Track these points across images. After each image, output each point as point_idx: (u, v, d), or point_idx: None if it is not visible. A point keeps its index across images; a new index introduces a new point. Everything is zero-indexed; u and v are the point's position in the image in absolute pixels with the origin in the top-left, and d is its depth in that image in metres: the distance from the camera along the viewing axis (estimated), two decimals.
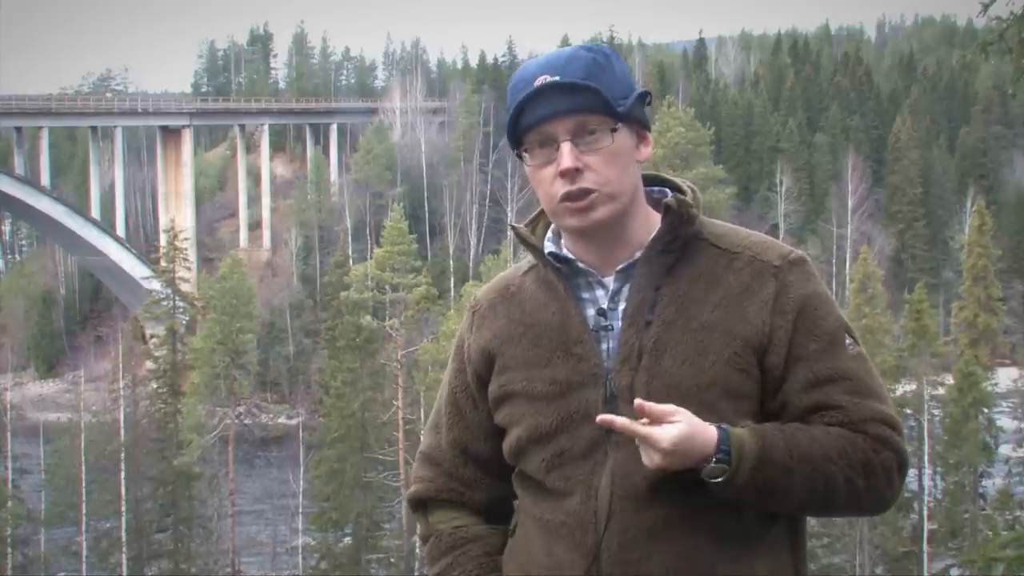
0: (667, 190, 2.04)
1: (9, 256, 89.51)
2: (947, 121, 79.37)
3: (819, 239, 61.28)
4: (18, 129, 69.09)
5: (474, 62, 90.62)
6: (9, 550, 35.75)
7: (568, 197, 1.89)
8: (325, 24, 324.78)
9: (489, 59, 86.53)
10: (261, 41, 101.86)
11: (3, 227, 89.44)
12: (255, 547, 41.29)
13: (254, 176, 77.99)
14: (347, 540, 36.22)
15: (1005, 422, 37.15)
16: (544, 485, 1.96)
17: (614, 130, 1.89)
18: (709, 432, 1.81)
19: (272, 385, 60.62)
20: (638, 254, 1.95)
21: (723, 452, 1.81)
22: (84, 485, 37.05)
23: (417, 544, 35.21)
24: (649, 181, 2.04)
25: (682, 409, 1.81)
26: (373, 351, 37.56)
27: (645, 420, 1.80)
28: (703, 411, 1.84)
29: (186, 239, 49.59)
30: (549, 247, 2.00)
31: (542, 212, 2.04)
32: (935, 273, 64.21)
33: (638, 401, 1.80)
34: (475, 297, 2.14)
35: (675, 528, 1.87)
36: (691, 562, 1.87)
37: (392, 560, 35.78)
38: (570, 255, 1.98)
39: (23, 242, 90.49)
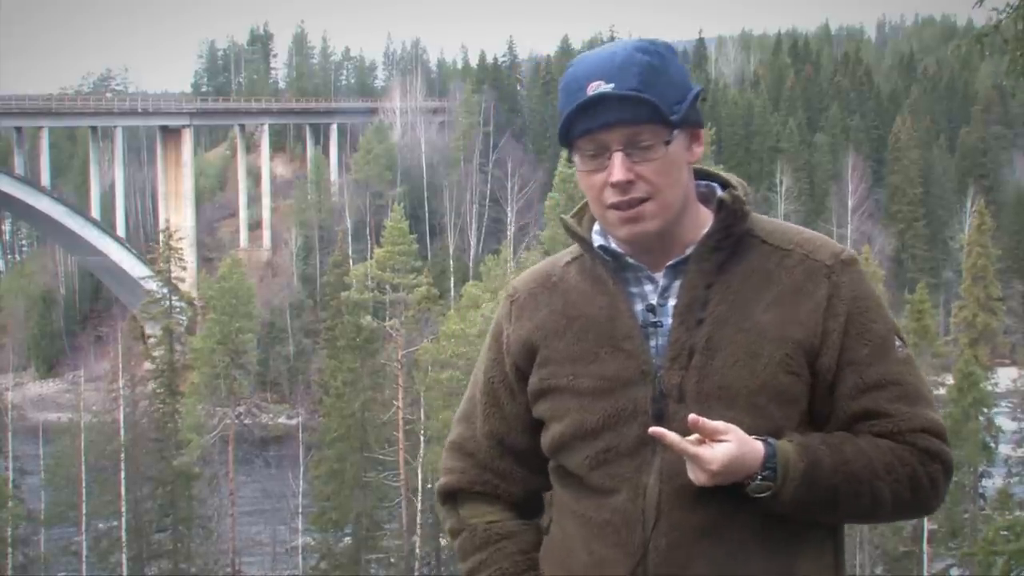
0: (715, 185, 2.00)
1: (9, 256, 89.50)
2: (947, 121, 79.40)
3: None
4: (18, 129, 69.09)
5: (474, 62, 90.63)
6: (9, 550, 35.75)
7: (617, 207, 1.87)
8: (325, 24, 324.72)
9: (489, 59, 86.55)
10: (261, 41, 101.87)
11: (3, 227, 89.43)
12: (255, 547, 41.30)
13: (254, 176, 78.01)
14: (347, 540, 36.23)
15: (1005, 422, 37.14)
16: (586, 482, 1.92)
17: (667, 142, 1.85)
18: (756, 449, 1.80)
19: (272, 385, 60.64)
20: (689, 250, 1.91)
21: (769, 469, 1.80)
22: (84, 485, 37.06)
23: (417, 543, 35.21)
24: (696, 175, 2.00)
25: (733, 427, 1.79)
26: (373, 351, 37.56)
27: (695, 436, 1.79)
28: (752, 414, 1.83)
29: (182, 239, 49.62)
30: (598, 240, 1.96)
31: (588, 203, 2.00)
32: (935, 273, 64.24)
33: (691, 417, 1.78)
34: (512, 286, 2.09)
35: (723, 528, 1.85)
36: (738, 562, 1.85)
37: (392, 560, 35.79)
38: (619, 249, 1.94)
39: (23, 242, 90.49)
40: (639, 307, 1.93)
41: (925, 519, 31.60)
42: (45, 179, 65.65)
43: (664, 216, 1.88)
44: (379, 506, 36.43)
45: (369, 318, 38.00)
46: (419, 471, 34.71)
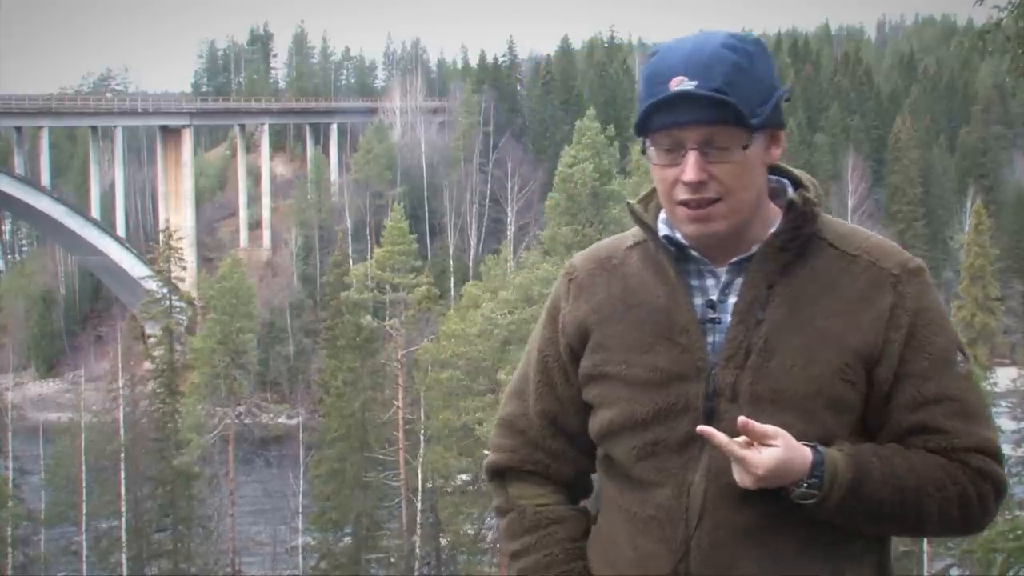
0: (787, 182, 1.97)
1: (9, 256, 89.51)
2: (947, 121, 79.41)
3: None
4: (18, 129, 69.10)
5: (474, 62, 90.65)
6: (9, 550, 35.74)
7: (687, 204, 1.84)
8: (325, 24, 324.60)
9: (489, 59, 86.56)
10: (261, 41, 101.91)
11: (3, 227, 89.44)
12: (255, 547, 41.29)
13: (254, 176, 78.01)
14: (347, 540, 36.22)
15: (1004, 422, 37.15)
16: (631, 474, 1.91)
17: (746, 146, 1.82)
18: (804, 455, 1.78)
19: (272, 385, 60.63)
20: (754, 248, 1.88)
21: (816, 477, 1.78)
22: (84, 485, 37.06)
23: (417, 543, 35.21)
24: (767, 170, 1.96)
25: (783, 432, 1.77)
26: (373, 351, 37.55)
27: (743, 438, 1.77)
28: (805, 420, 1.81)
29: (182, 239, 49.62)
30: (663, 229, 1.93)
31: (655, 190, 1.95)
32: (935, 273, 64.12)
33: (741, 419, 1.76)
34: (571, 263, 2.05)
35: (767, 530, 1.83)
36: (781, 565, 1.83)
37: (392, 560, 35.77)
38: (684, 241, 1.91)
39: (23, 242, 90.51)
40: (698, 301, 1.90)
41: None
42: (45, 179, 65.65)
43: (734, 218, 1.85)
44: (379, 506, 36.42)
45: (369, 318, 37.99)
46: (419, 471, 34.70)
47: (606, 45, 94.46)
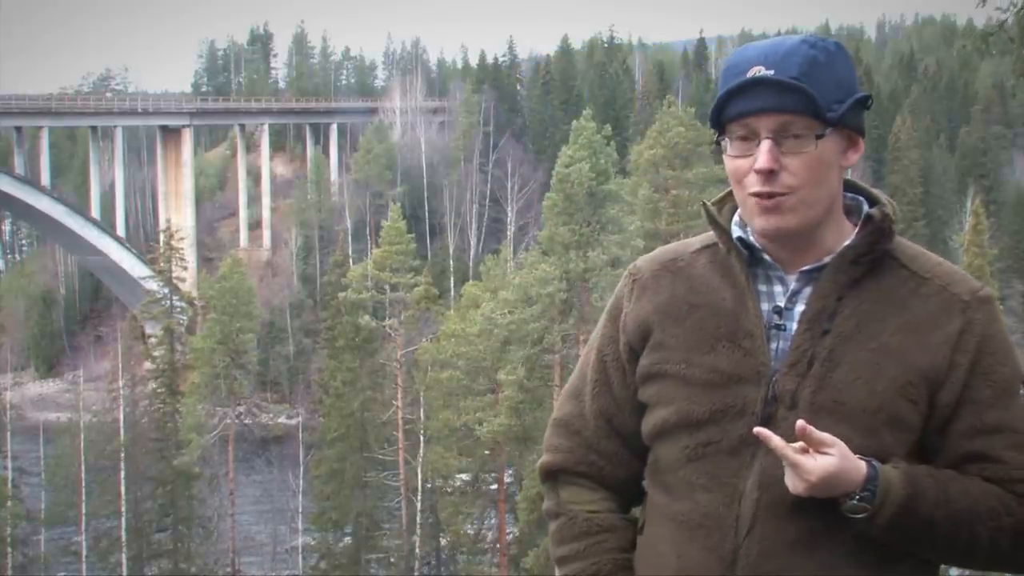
0: (863, 199, 1.95)
1: (9, 256, 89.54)
2: (947, 121, 79.39)
3: None
4: (18, 129, 69.11)
5: (474, 62, 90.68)
6: (9, 550, 35.76)
7: (759, 195, 1.82)
8: (325, 24, 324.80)
9: (489, 59, 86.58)
10: (261, 41, 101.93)
11: (3, 227, 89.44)
12: (255, 547, 41.30)
13: (254, 176, 78.02)
14: (347, 540, 36.22)
15: None
16: (680, 477, 1.89)
17: (819, 136, 1.80)
18: (859, 468, 1.76)
19: (272, 385, 60.65)
20: (826, 259, 1.87)
21: (869, 491, 1.76)
22: (84, 485, 37.07)
23: (417, 543, 35.21)
24: (844, 187, 1.95)
25: (839, 442, 1.75)
26: (372, 351, 37.55)
27: (800, 443, 1.76)
28: (863, 434, 1.80)
29: (183, 239, 49.62)
30: (736, 231, 1.92)
31: (731, 192, 1.94)
32: None
33: (800, 423, 1.74)
34: (636, 264, 2.04)
35: (818, 542, 1.81)
36: None
37: (392, 560, 35.78)
38: (756, 244, 1.90)
39: (23, 242, 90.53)
40: (765, 306, 1.89)
41: None
42: (45, 179, 65.66)
43: (805, 214, 1.83)
44: (379, 506, 36.43)
45: (368, 318, 37.99)
46: (419, 471, 34.71)
47: (606, 45, 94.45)
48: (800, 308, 1.87)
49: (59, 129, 75.74)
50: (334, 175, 77.97)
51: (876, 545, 1.82)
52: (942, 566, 1.96)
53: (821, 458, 1.74)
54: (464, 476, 35.04)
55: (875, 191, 1.97)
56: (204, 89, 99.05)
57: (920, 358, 1.83)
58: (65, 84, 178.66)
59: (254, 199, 76.68)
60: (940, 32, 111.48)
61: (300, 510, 38.55)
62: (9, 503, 35.84)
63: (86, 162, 72.77)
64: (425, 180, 71.48)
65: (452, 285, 59.99)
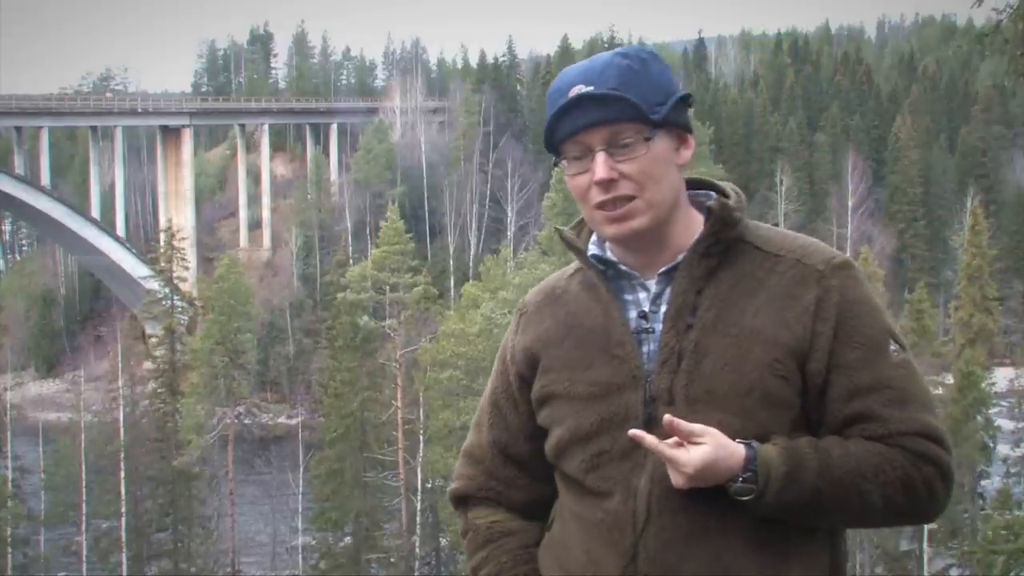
0: (712, 193, 2.02)
1: (9, 256, 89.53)
2: (947, 121, 79.38)
3: (819, 239, 61.19)
4: (18, 129, 69.12)
5: (474, 62, 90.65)
6: (9, 550, 35.77)
7: (603, 206, 1.89)
8: (325, 24, 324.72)
9: (489, 59, 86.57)
10: (261, 41, 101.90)
11: (3, 227, 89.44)
12: (255, 547, 41.28)
13: (254, 176, 78.01)
14: (347, 540, 36.22)
15: (1003, 422, 37.17)
16: (584, 485, 1.96)
17: (648, 138, 1.88)
18: (736, 452, 1.81)
19: (272, 385, 60.64)
20: (680, 257, 1.94)
21: (750, 472, 1.81)
22: (84, 485, 37.07)
23: (417, 543, 35.24)
24: (693, 185, 2.03)
25: (711, 430, 1.81)
26: (371, 351, 37.55)
27: (674, 438, 1.81)
28: (741, 417, 1.85)
29: (183, 239, 49.61)
30: (593, 249, 2.00)
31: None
32: (935, 273, 64.23)
33: (667, 418, 1.81)
34: (524, 300, 2.14)
35: (712, 532, 1.86)
36: (727, 565, 1.86)
37: (392, 560, 35.78)
38: (613, 257, 1.98)
39: (23, 242, 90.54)
40: (632, 314, 1.96)
41: None
42: (45, 179, 65.66)
43: (652, 214, 1.90)
44: (379, 506, 36.43)
45: (367, 318, 37.99)
46: (419, 471, 34.72)
47: (606, 45, 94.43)
48: (664, 309, 1.94)
49: (59, 129, 75.74)
50: (334, 175, 77.98)
51: (775, 529, 1.87)
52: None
53: (695, 449, 1.80)
54: None
55: (722, 183, 2.04)
56: (204, 89, 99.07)
57: (782, 333, 1.88)
58: (65, 84, 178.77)
59: (254, 199, 76.67)
60: (940, 32, 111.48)
61: (300, 510, 38.55)
62: (9, 503, 35.84)
63: (86, 162, 72.78)
64: (425, 180, 71.47)
65: (452, 285, 59.98)
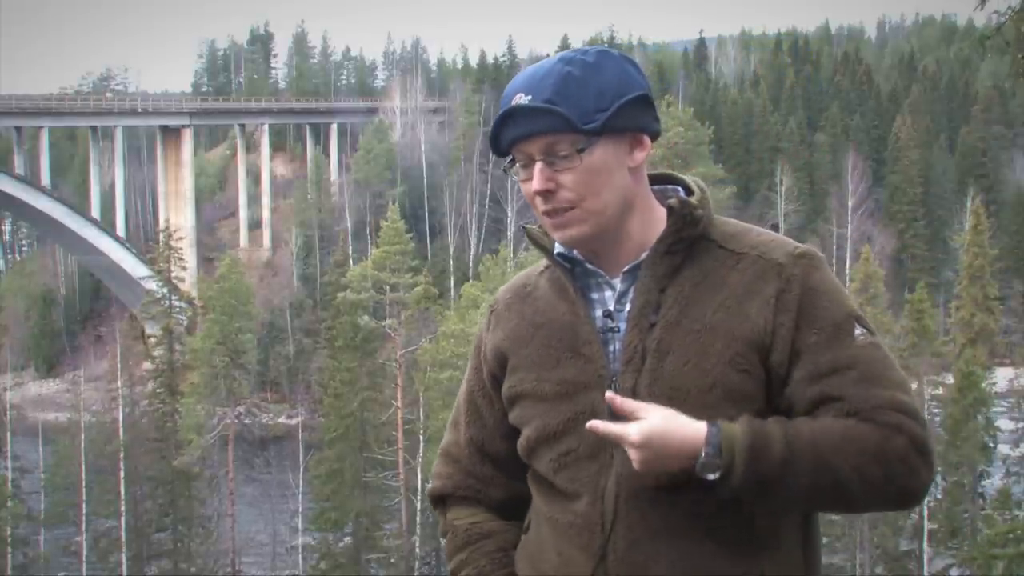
0: (680, 189, 2.02)
1: (9, 256, 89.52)
2: (947, 121, 79.37)
3: (819, 239, 61.23)
4: (18, 129, 69.13)
5: (474, 62, 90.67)
6: (9, 550, 35.77)
7: (547, 213, 1.91)
8: (325, 24, 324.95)
9: (489, 59, 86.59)
10: (261, 41, 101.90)
11: (3, 227, 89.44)
12: (255, 547, 41.28)
13: (254, 176, 78.01)
14: (347, 540, 36.23)
15: (1003, 422, 37.16)
16: (554, 485, 1.96)
17: (581, 150, 1.86)
18: (695, 427, 1.79)
19: (272, 385, 60.64)
20: (644, 255, 1.93)
21: (713, 447, 1.78)
22: (84, 485, 37.07)
23: (417, 543, 35.25)
24: (661, 180, 2.02)
25: (654, 406, 1.81)
26: (371, 351, 37.56)
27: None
28: (705, 413, 1.82)
29: (182, 238, 49.62)
30: (559, 247, 1.99)
31: None
32: (935, 273, 64.21)
33: (608, 395, 1.82)
34: (495, 297, 2.15)
35: (680, 529, 1.86)
36: (696, 563, 1.86)
37: (392, 560, 35.79)
38: (579, 256, 1.97)
39: (23, 242, 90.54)
40: (598, 313, 1.96)
41: (925, 519, 31.61)
42: (45, 179, 65.67)
43: (595, 221, 1.90)
44: (379, 506, 36.44)
45: (367, 318, 38.00)
46: (419, 471, 34.71)
47: (606, 45, 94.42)
48: (628, 307, 1.94)
49: (59, 129, 75.77)
50: (334, 175, 77.98)
51: (746, 524, 1.86)
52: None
53: (635, 422, 1.79)
54: None
55: (689, 179, 2.02)
56: (204, 89, 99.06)
57: (742, 327, 1.87)
58: (65, 84, 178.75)
59: (254, 199, 76.68)
60: (940, 32, 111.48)
61: (300, 510, 38.55)
62: (9, 503, 35.84)
63: (86, 162, 72.79)
64: (425, 180, 71.49)
65: (452, 285, 59.98)
